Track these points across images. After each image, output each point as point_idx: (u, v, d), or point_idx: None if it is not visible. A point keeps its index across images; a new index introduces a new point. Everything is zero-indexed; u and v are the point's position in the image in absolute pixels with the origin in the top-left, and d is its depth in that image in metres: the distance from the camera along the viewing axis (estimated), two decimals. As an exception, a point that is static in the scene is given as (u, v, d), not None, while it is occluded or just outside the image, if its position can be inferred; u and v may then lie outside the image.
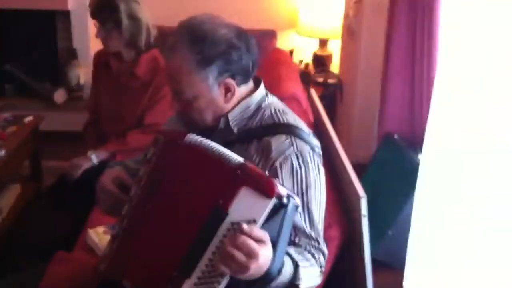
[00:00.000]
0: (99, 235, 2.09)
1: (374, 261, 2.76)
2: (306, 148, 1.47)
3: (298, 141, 1.47)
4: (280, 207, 1.21)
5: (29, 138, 3.03)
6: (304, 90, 2.84)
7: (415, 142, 2.80)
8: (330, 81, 3.91)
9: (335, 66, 4.13)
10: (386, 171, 2.94)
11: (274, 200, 1.20)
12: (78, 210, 2.40)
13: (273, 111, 1.52)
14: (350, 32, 3.61)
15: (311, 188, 1.45)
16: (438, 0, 2.53)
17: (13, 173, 3.04)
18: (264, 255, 1.17)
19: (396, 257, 2.61)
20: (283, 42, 4.16)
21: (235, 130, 1.50)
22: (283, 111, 1.55)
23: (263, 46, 3.76)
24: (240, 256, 1.14)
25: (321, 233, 1.47)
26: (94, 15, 2.52)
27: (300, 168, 1.44)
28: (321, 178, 1.50)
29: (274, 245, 1.21)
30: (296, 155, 1.44)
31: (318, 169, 1.49)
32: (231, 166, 1.25)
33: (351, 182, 1.72)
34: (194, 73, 1.41)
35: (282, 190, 1.22)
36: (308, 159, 1.46)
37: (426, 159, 2.43)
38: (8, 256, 2.71)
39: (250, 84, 1.53)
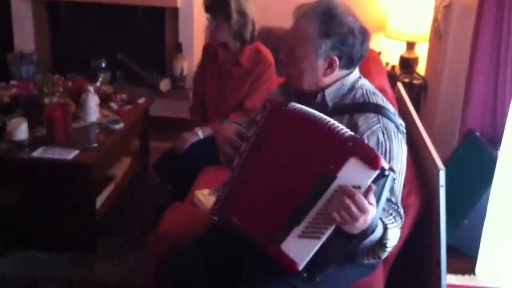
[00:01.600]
0: (204, 196, 2.36)
1: (449, 247, 2.96)
2: (391, 125, 1.68)
3: (384, 119, 1.68)
4: (381, 177, 1.42)
5: (141, 116, 3.42)
6: (390, 84, 3.05)
7: (496, 139, 2.94)
8: (415, 82, 4.08)
9: (421, 69, 4.29)
10: (466, 165, 3.08)
11: (378, 171, 1.40)
12: (183, 180, 2.75)
13: (364, 91, 1.75)
14: (437, 35, 3.78)
15: (394, 159, 1.65)
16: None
17: (126, 147, 3.44)
18: (371, 214, 1.42)
19: (470, 245, 2.78)
20: (372, 44, 4.34)
21: (330, 104, 1.73)
22: (373, 92, 1.77)
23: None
24: (354, 208, 1.39)
25: (400, 200, 1.70)
26: (207, 9, 2.86)
27: (385, 141, 1.65)
28: (403, 152, 1.70)
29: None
30: (382, 130, 1.65)
31: (401, 144, 1.69)
32: (343, 137, 1.45)
33: (431, 156, 1.94)
34: (312, 38, 1.67)
35: (385, 164, 1.42)
36: (392, 135, 1.66)
37: (504, 153, 2.58)
38: (119, 219, 3.11)
39: (351, 70, 1.76)
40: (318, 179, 1.45)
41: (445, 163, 3.26)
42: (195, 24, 4.26)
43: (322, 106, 1.72)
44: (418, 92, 4.06)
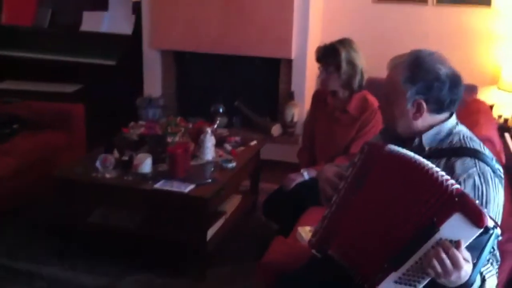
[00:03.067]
0: (306, 232, 2.44)
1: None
2: (487, 169, 1.72)
3: (481, 163, 1.72)
4: (484, 235, 1.45)
5: (252, 158, 3.65)
6: (499, 136, 3.06)
7: None
8: (529, 135, 4.01)
9: (537, 123, 4.22)
10: None
11: (481, 230, 1.42)
12: (288, 217, 2.91)
13: (461, 137, 1.82)
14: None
15: (490, 203, 1.69)
16: None
17: (237, 186, 3.67)
18: (466, 270, 1.46)
19: None
20: (484, 97, 4.34)
21: (426, 148, 1.82)
22: (470, 138, 1.83)
23: (463, 99, 4.03)
24: (448, 263, 1.44)
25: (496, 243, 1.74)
26: (319, 60, 3.06)
27: (481, 185, 1.69)
28: (500, 196, 1.73)
29: (474, 264, 1.48)
30: (479, 174, 1.70)
31: (497, 187, 1.72)
32: (449, 190, 1.47)
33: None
34: (400, 85, 1.80)
35: (490, 222, 1.42)
36: (489, 178, 1.70)
37: None
38: (227, 251, 3.32)
39: (444, 115, 1.84)
40: (420, 228, 1.49)
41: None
42: (307, 74, 4.50)
43: (418, 150, 1.80)
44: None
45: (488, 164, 1.74)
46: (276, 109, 4.70)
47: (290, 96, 4.55)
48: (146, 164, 3.04)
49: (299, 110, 4.51)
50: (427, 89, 1.79)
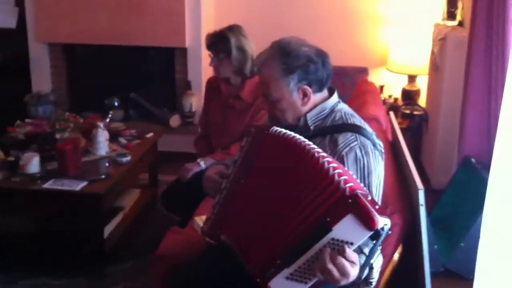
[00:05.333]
0: (203, 221, 2.49)
1: (448, 271, 3.00)
2: (368, 143, 1.79)
3: (361, 137, 1.79)
4: (376, 235, 1.44)
5: (149, 150, 3.57)
6: (386, 115, 3.18)
7: (490, 164, 3.03)
8: (417, 113, 4.20)
9: (422, 101, 4.42)
10: (463, 190, 3.18)
11: (372, 232, 1.41)
12: (187, 208, 2.87)
13: (343, 114, 1.88)
14: (435, 68, 3.90)
15: (371, 174, 1.75)
16: (510, 37, 2.81)
17: (134, 180, 3.59)
18: (354, 274, 1.48)
19: (467, 268, 2.84)
20: (375, 78, 4.51)
21: (311, 127, 1.86)
22: (351, 114, 1.89)
23: (355, 81, 4.17)
24: (336, 273, 1.44)
25: None
26: (209, 47, 3.03)
27: (363, 157, 1.75)
28: (380, 168, 1.80)
29: (364, 262, 1.51)
30: (359, 147, 1.76)
31: (377, 160, 1.79)
32: (344, 190, 1.44)
33: (412, 177, 2.05)
34: (280, 79, 1.82)
35: (381, 224, 1.41)
36: (369, 151, 1.77)
37: (493, 176, 2.65)
38: (127, 247, 3.24)
39: (325, 92, 1.90)
40: (312, 225, 1.48)
41: (445, 189, 3.39)
42: (203, 63, 4.46)
43: (304, 130, 1.85)
44: (420, 123, 4.17)
45: (368, 138, 1.81)
46: (174, 99, 4.63)
47: (187, 85, 4.51)
48: (33, 164, 2.90)
49: (197, 99, 4.47)
50: (306, 73, 1.82)
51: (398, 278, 2.13)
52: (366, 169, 1.76)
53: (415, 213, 2.04)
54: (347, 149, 1.76)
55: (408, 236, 2.09)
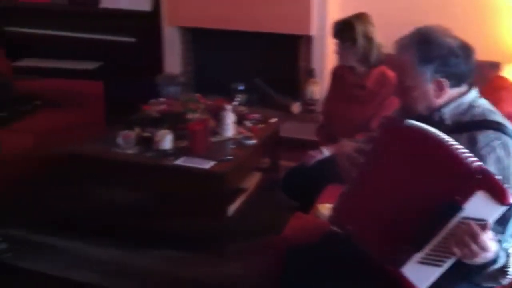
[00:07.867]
0: (326, 209, 2.46)
1: None
2: (511, 142, 1.70)
3: (504, 136, 1.70)
4: (509, 211, 1.44)
5: (272, 135, 3.65)
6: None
7: None
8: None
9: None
10: None
11: (505, 207, 1.40)
12: (307, 194, 2.91)
13: (483, 110, 1.79)
14: None
15: None
16: None
17: (257, 162, 3.68)
18: (492, 249, 1.46)
19: None
20: (508, 74, 4.27)
21: (447, 122, 1.79)
22: (492, 111, 1.80)
23: (485, 77, 3.97)
24: (474, 246, 1.43)
25: None
26: (335, 35, 3.03)
27: (504, 158, 1.67)
28: None
29: (499, 240, 1.48)
30: (501, 146, 1.68)
31: None
32: (472, 167, 1.44)
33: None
34: (415, 67, 1.76)
35: None
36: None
37: None
38: (248, 227, 3.34)
39: (463, 88, 1.82)
40: (441, 206, 1.47)
41: None
42: (327, 51, 4.46)
43: (440, 125, 1.77)
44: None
45: (511, 137, 1.72)
46: (296, 86, 4.67)
47: (310, 73, 4.52)
48: (167, 141, 3.06)
49: (319, 87, 4.48)
50: (444, 65, 1.75)
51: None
52: (507, 171, 1.67)
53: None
54: (488, 148, 1.68)
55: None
